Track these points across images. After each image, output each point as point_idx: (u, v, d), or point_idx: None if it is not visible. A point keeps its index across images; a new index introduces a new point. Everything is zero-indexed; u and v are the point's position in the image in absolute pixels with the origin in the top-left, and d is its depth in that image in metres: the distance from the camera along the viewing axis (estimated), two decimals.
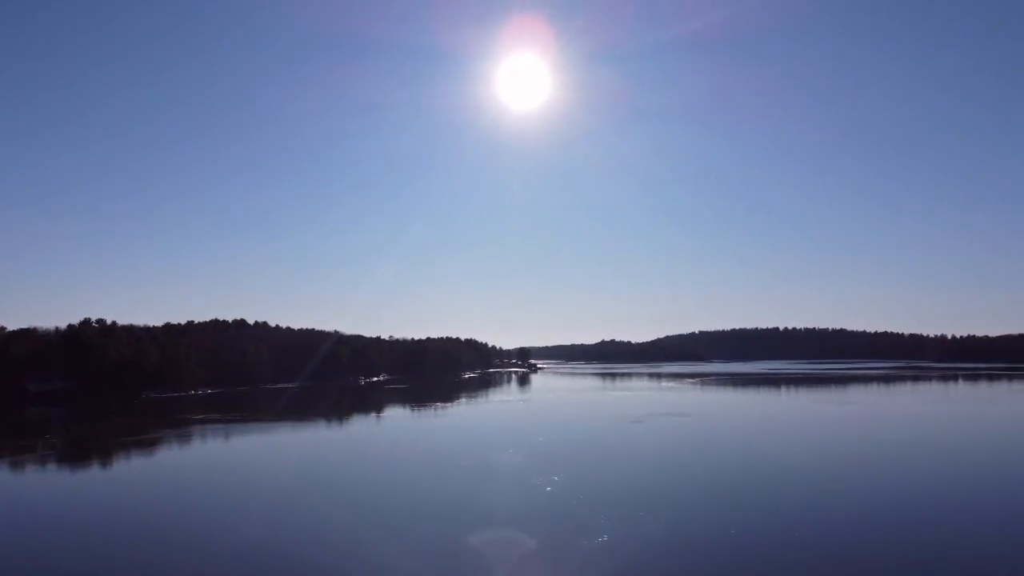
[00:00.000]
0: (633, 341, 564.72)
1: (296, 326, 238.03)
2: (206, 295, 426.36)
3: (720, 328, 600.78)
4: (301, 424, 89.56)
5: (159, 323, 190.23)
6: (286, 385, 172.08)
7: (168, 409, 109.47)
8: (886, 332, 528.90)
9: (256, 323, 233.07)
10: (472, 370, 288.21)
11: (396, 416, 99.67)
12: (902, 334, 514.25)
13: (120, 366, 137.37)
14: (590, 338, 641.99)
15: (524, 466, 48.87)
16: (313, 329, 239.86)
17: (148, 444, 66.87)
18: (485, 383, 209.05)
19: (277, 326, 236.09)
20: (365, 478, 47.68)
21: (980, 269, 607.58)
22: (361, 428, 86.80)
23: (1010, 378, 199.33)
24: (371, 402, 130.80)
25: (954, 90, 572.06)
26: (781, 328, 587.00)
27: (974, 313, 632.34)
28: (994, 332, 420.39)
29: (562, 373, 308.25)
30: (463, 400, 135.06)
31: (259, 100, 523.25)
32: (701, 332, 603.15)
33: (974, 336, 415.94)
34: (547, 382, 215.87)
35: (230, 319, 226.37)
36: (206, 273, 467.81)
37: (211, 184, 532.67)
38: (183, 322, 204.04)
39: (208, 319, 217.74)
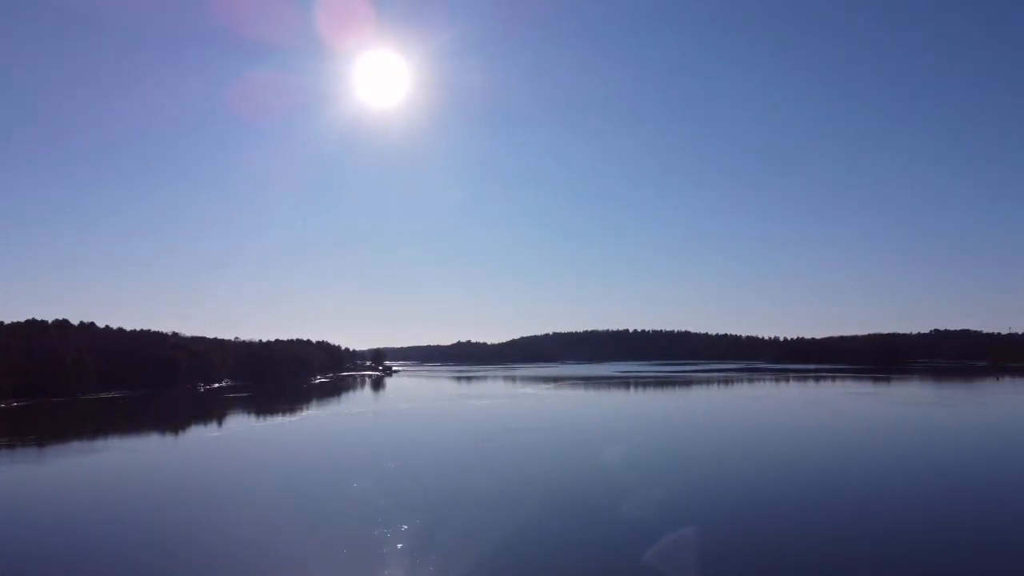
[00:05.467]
0: (489, 342, 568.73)
1: (130, 327, 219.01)
2: (21, 291, 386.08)
3: (573, 329, 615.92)
4: (102, 447, 77.91)
5: None
6: (111, 394, 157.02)
7: None
8: (726, 335, 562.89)
9: (81, 324, 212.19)
10: (324, 374, 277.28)
11: (224, 434, 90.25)
12: (740, 336, 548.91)
13: None
14: (446, 339, 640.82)
15: (369, 507, 42.66)
16: (148, 331, 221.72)
17: None
18: (337, 389, 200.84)
19: (107, 327, 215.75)
20: (156, 527, 39.61)
21: (808, 275, 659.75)
22: (177, 451, 77.00)
23: (832, 379, 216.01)
24: (202, 414, 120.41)
25: (810, 98, 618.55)
26: (630, 330, 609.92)
27: (802, 317, 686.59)
28: (819, 334, 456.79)
29: (418, 376, 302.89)
30: (309, 410, 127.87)
31: (93, 92, 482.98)
32: (555, 333, 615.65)
33: (803, 338, 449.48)
34: (402, 387, 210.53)
35: (50, 319, 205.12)
36: (23, 267, 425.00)
37: (39, 173, 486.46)
38: None
39: (23, 319, 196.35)
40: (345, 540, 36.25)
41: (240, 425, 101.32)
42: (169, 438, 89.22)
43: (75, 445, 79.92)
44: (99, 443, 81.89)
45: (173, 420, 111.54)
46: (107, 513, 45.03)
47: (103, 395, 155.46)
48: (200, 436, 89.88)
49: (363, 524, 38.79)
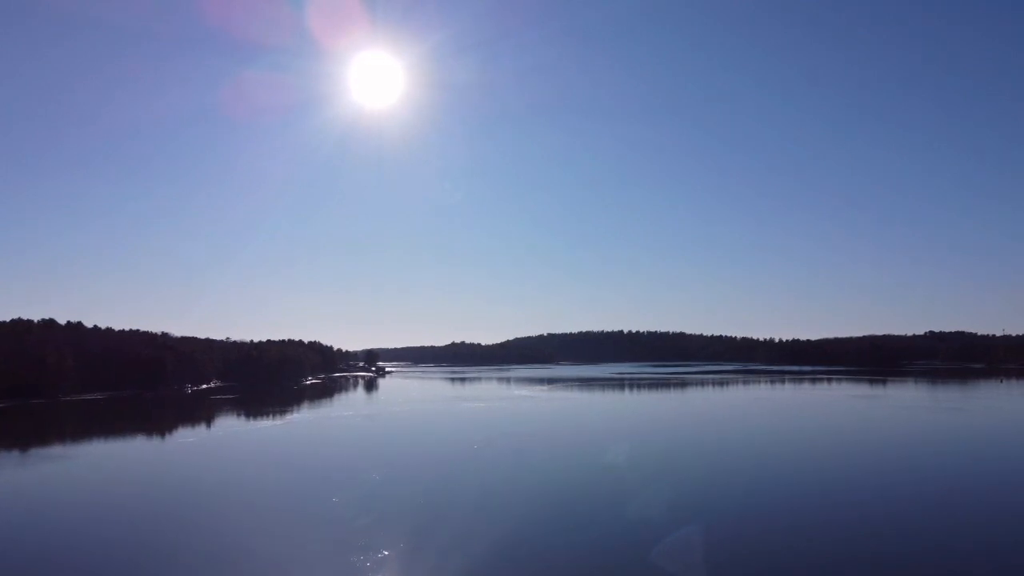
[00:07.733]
0: (483, 343, 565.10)
1: (119, 327, 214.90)
2: (9, 291, 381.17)
3: (568, 331, 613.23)
4: (61, 454, 73.54)
5: None
6: (93, 396, 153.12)
7: None
8: (721, 336, 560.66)
9: (68, 323, 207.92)
10: (316, 375, 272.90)
11: (200, 439, 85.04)
12: (735, 338, 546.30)
13: None
14: (440, 340, 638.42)
15: (348, 528, 38.55)
16: (137, 331, 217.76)
17: None
18: (328, 390, 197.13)
19: (95, 327, 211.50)
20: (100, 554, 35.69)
21: (804, 277, 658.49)
22: (143, 457, 72.66)
23: (829, 381, 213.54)
24: (182, 417, 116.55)
25: (806, 100, 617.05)
26: (626, 331, 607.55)
27: (798, 318, 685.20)
28: (815, 336, 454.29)
29: (412, 377, 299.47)
30: (297, 413, 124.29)
31: (86, 92, 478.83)
32: (550, 334, 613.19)
33: (798, 340, 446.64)
34: (395, 389, 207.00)
35: (36, 319, 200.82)
36: (11, 266, 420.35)
37: (31, 172, 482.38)
38: None
39: (8, 318, 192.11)
40: (316, 570, 32.45)
41: (221, 429, 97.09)
42: (139, 443, 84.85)
43: (34, 452, 75.74)
44: (59, 450, 77.63)
45: (149, 423, 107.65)
46: (58, 526, 41.53)
47: (86, 397, 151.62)
48: (173, 441, 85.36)
49: (339, 549, 34.82)
